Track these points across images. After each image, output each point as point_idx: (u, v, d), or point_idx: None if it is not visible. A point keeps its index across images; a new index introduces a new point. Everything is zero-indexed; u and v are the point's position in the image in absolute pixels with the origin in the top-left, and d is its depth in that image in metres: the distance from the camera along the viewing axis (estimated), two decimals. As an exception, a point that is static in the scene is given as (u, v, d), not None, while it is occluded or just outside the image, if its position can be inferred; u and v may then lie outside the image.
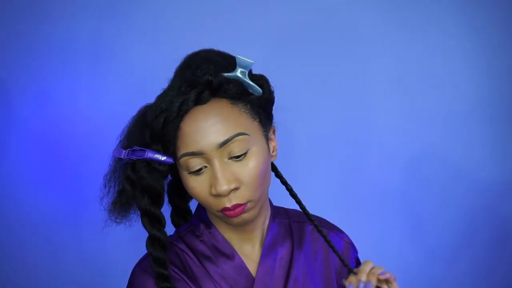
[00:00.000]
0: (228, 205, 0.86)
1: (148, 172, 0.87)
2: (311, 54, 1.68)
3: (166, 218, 0.92)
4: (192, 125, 0.84)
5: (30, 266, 1.88)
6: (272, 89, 0.94)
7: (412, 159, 1.70)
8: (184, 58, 0.96)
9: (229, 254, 0.94)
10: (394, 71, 1.68)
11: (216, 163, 0.84)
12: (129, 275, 0.99)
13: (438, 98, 1.69)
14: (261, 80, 0.91)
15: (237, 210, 0.86)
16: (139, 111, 0.92)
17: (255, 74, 0.91)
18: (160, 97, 0.88)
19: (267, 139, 0.91)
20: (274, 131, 0.96)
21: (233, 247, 0.95)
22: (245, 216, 0.88)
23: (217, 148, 0.83)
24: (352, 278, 0.91)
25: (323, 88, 1.69)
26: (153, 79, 1.76)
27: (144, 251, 1.00)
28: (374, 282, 0.88)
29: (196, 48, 0.97)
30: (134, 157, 0.87)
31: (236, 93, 0.87)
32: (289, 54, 1.67)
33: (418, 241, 1.72)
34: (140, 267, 0.94)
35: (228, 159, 0.85)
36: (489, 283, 1.74)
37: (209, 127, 0.84)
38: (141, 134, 0.88)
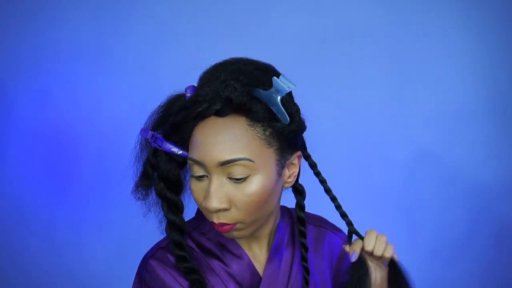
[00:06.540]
0: (215, 221, 0.85)
1: (165, 160, 0.87)
2: (309, 54, 1.68)
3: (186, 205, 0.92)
4: (203, 135, 0.83)
5: (30, 265, 1.88)
6: (303, 120, 0.89)
7: (412, 159, 1.70)
8: (223, 62, 0.90)
9: (236, 253, 0.94)
10: (395, 72, 1.68)
11: (213, 179, 0.83)
12: (129, 275, 0.99)
13: (439, 99, 1.69)
14: (292, 109, 0.84)
15: (224, 227, 0.86)
16: (169, 96, 0.90)
17: (289, 101, 0.85)
18: (191, 91, 0.87)
19: (282, 166, 0.88)
20: (299, 157, 0.91)
21: (240, 246, 0.95)
22: (235, 234, 0.87)
23: (218, 165, 0.82)
24: (356, 246, 0.93)
25: (323, 88, 1.69)
26: (153, 80, 1.78)
27: (143, 251, 1.00)
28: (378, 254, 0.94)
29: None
30: (155, 145, 0.87)
31: (260, 115, 0.83)
32: (287, 54, 1.67)
33: (418, 241, 1.72)
34: (153, 257, 0.93)
35: (227, 178, 0.83)
36: (488, 283, 1.74)
37: (216, 143, 0.82)
38: (165, 122, 0.88)
